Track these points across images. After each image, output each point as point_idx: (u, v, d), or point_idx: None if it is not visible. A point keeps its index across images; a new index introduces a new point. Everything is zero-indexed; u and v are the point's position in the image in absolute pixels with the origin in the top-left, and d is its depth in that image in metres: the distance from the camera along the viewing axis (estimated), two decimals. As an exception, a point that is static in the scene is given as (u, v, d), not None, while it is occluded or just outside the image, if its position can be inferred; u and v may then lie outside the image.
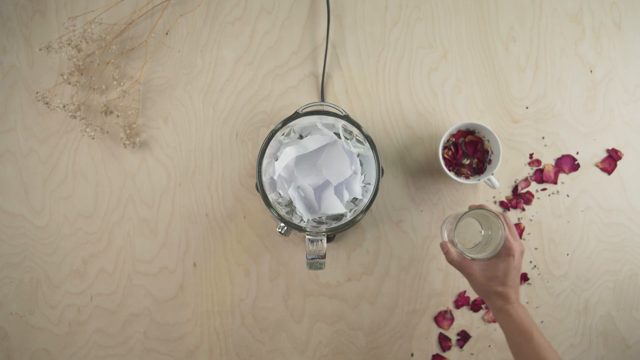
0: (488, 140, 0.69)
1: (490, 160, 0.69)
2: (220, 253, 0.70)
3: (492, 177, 0.67)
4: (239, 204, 0.70)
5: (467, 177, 0.69)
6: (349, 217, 0.60)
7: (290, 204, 0.61)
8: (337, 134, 0.61)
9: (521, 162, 0.72)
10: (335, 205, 0.60)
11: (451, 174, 0.67)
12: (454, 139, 0.70)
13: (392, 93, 0.72)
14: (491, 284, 0.59)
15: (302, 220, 0.60)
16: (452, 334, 0.70)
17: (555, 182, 0.71)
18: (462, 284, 0.70)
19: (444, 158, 0.69)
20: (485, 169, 0.70)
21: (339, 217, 0.61)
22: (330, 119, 0.62)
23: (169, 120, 0.71)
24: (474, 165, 0.70)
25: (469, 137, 0.70)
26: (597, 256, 0.71)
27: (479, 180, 0.67)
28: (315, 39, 0.73)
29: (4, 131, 0.71)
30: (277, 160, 0.60)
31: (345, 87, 0.72)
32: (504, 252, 0.59)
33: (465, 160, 0.70)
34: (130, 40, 0.72)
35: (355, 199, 0.62)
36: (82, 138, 0.71)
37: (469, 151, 0.70)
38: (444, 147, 0.70)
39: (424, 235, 0.70)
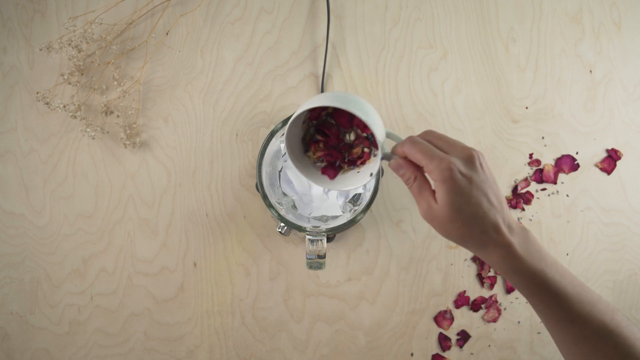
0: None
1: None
2: (221, 253, 0.70)
3: (390, 132, 0.50)
4: (239, 204, 0.70)
5: (363, 162, 0.52)
6: (349, 217, 0.61)
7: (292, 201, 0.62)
8: None
9: (521, 162, 0.72)
10: (333, 207, 0.61)
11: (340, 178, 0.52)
12: (314, 122, 0.53)
13: (392, 93, 0.72)
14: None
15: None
16: (452, 333, 0.70)
17: (555, 182, 0.72)
18: (462, 283, 0.70)
19: (316, 159, 0.54)
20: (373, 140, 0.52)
21: (325, 218, 0.63)
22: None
23: (169, 120, 0.71)
24: (370, 138, 0.52)
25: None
26: (596, 256, 0.71)
27: (381, 156, 0.47)
28: (315, 39, 0.73)
29: (4, 131, 0.71)
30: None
31: (345, 87, 0.72)
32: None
33: (348, 136, 0.53)
34: (131, 40, 0.72)
35: (355, 199, 0.63)
36: (82, 138, 0.71)
37: (343, 122, 0.51)
38: (310, 142, 0.54)
39: (424, 235, 0.71)
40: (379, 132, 0.46)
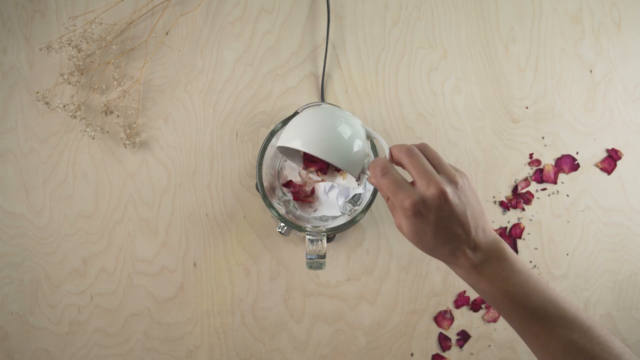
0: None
1: None
2: (221, 253, 0.70)
3: (373, 135, 0.51)
4: (239, 204, 0.70)
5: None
6: (348, 217, 0.61)
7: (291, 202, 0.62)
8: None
9: (521, 162, 0.72)
10: (333, 207, 0.61)
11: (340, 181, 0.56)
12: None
13: (392, 93, 0.72)
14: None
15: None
16: (452, 333, 0.70)
17: (555, 182, 0.72)
18: (462, 283, 0.70)
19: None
20: None
21: (325, 218, 0.63)
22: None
23: (169, 120, 0.71)
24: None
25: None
26: (596, 256, 0.71)
27: (356, 177, 0.51)
28: (315, 39, 0.73)
29: (4, 131, 0.71)
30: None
31: (345, 87, 0.72)
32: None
33: None
34: (131, 40, 0.72)
35: (354, 200, 0.63)
36: (82, 138, 0.71)
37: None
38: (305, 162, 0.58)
39: (423, 235, 0.70)
40: (346, 164, 0.48)
